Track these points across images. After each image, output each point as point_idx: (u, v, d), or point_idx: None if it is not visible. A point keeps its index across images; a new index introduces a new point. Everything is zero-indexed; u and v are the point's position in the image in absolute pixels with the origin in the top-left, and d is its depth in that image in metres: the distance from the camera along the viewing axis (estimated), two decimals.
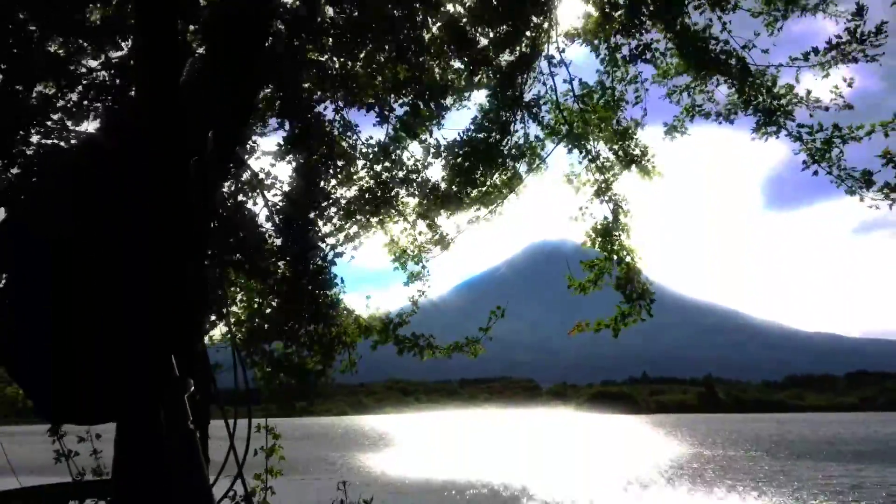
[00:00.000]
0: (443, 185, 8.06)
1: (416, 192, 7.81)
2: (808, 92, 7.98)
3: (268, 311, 6.83)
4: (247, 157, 6.97)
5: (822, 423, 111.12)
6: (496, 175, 8.73)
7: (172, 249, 1.96)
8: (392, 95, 7.80)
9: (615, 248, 8.85)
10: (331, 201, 7.52)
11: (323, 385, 7.33)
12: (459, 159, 8.02)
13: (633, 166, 8.95)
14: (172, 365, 1.88)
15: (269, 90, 7.11)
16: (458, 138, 8.16)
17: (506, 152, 8.62)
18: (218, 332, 6.65)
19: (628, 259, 8.65)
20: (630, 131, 8.98)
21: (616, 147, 8.89)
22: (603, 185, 8.99)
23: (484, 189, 8.58)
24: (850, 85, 7.63)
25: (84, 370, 1.75)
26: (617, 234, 8.83)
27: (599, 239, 8.92)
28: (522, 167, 9.01)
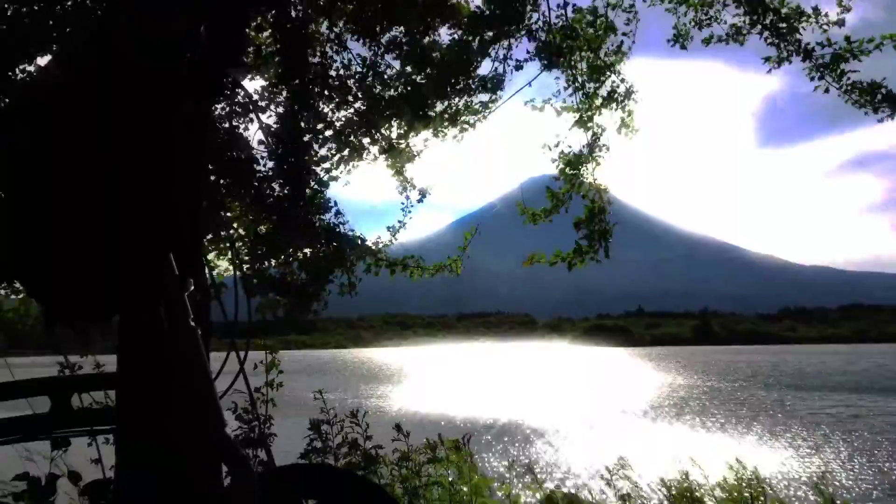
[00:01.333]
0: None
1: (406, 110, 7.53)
2: (816, 8, 7.72)
3: (263, 232, 6.71)
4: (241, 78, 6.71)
5: (815, 354, 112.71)
6: (468, 96, 8.31)
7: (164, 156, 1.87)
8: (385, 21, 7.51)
9: (581, 181, 8.54)
10: (325, 124, 7.31)
11: (316, 308, 7.27)
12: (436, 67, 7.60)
13: (614, 105, 8.53)
14: (171, 262, 1.84)
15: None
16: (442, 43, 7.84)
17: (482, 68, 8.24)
18: (218, 261, 6.54)
19: (593, 196, 8.34)
20: (615, 65, 8.56)
21: (599, 79, 8.49)
22: (586, 116, 8.60)
23: (456, 104, 8.17)
24: (847, 10, 7.45)
25: (82, 267, 1.72)
26: (586, 167, 8.48)
27: (568, 169, 8.59)
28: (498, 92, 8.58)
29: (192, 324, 1.88)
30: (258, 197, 6.61)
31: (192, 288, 1.91)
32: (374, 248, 7.61)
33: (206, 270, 2.04)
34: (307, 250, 6.89)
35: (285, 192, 6.75)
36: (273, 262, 6.79)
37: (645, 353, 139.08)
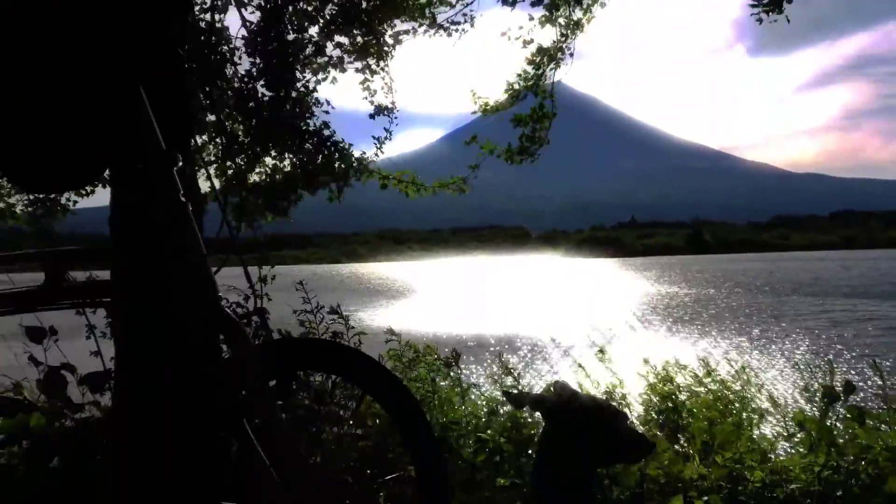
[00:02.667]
0: None
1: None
2: None
3: (248, 140, 6.30)
4: None
5: (808, 261, 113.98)
6: None
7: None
8: None
9: (541, 79, 8.02)
10: (309, 19, 6.79)
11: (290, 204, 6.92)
12: None
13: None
14: (157, 135, 1.84)
15: None
16: None
17: None
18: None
19: (543, 100, 7.87)
20: None
21: None
22: (554, 13, 7.96)
23: None
24: None
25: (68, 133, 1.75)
26: (548, 67, 7.97)
27: (531, 68, 8.07)
28: None
29: (182, 199, 1.88)
30: (240, 98, 6.20)
31: (181, 164, 1.91)
32: (363, 159, 7.16)
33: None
34: (292, 157, 6.50)
35: (269, 95, 6.32)
36: (256, 168, 6.43)
37: (637, 263, 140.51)
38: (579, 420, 1.54)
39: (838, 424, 3.61)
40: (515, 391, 1.61)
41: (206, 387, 1.86)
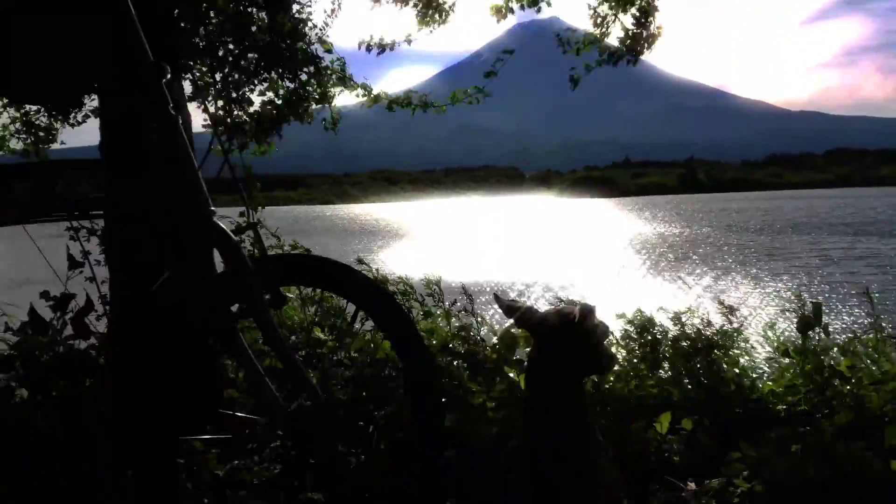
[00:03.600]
0: None
1: None
2: None
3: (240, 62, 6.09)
4: None
5: (802, 199, 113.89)
6: None
7: None
8: None
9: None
10: None
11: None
12: None
13: None
14: (145, 47, 1.81)
15: None
16: None
17: None
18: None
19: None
20: None
21: None
22: None
23: None
24: None
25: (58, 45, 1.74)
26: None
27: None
28: None
29: (173, 112, 1.86)
30: (234, 22, 5.99)
31: (169, 76, 1.87)
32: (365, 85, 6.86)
33: None
34: (285, 83, 6.32)
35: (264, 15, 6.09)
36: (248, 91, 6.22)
37: (631, 202, 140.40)
38: (560, 333, 1.57)
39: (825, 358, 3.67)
40: (507, 300, 1.62)
41: (201, 301, 1.88)
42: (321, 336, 3.25)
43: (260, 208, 5.24)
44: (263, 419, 1.98)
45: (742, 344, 4.13)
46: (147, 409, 1.93)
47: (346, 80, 6.36)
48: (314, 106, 6.19)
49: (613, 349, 3.87)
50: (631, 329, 4.12)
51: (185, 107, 1.95)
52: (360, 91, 6.55)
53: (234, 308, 1.95)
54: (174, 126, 1.83)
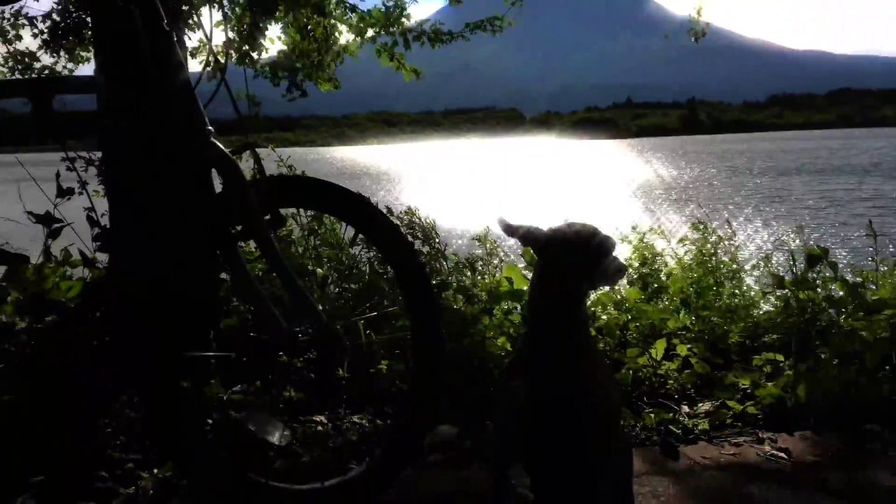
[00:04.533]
0: None
1: None
2: None
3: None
4: None
5: (805, 140, 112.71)
6: None
7: None
8: None
9: None
10: None
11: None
12: None
13: None
14: None
15: None
16: None
17: None
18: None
19: None
20: None
21: None
22: None
23: None
24: None
25: None
26: None
27: None
28: None
29: (166, 28, 1.81)
30: None
31: None
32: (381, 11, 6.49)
33: None
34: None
35: None
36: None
37: (632, 144, 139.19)
38: (570, 248, 1.57)
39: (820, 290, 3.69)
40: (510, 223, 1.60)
41: (199, 220, 1.88)
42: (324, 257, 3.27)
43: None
44: (265, 338, 1.99)
45: (741, 275, 4.18)
46: (150, 331, 1.94)
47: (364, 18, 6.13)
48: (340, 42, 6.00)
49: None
50: (633, 257, 4.16)
51: (179, 22, 1.91)
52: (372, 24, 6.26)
53: (234, 229, 1.95)
54: (168, 42, 1.80)
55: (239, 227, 1.94)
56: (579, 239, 1.56)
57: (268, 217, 1.91)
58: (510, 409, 1.60)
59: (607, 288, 3.79)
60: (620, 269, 1.60)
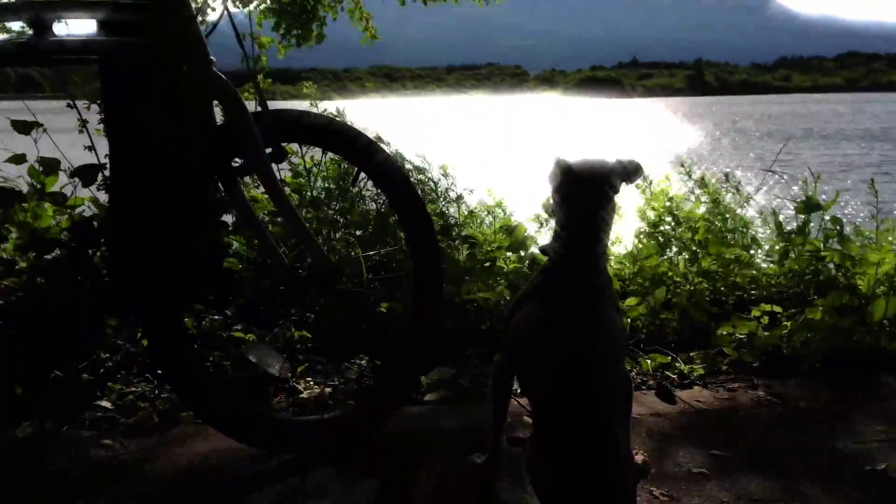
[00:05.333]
0: None
1: None
2: None
3: None
4: None
5: (811, 102, 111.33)
6: None
7: None
8: None
9: None
10: None
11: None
12: None
13: None
14: None
15: None
16: None
17: None
18: None
19: None
20: None
21: None
22: None
23: None
24: None
25: None
26: None
27: None
28: None
29: None
30: None
31: None
32: None
33: None
34: None
35: None
36: None
37: (636, 103, 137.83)
38: (596, 173, 1.62)
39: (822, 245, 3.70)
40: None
41: (202, 152, 1.86)
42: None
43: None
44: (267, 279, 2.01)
45: (744, 230, 4.16)
46: (150, 272, 1.94)
47: None
48: None
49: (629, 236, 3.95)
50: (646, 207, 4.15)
51: None
52: None
53: (236, 163, 1.94)
54: None
55: (241, 161, 1.93)
56: (603, 166, 1.62)
57: (270, 150, 1.91)
58: (516, 335, 1.63)
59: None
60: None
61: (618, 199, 1.64)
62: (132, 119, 1.90)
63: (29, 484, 1.83)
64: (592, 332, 1.51)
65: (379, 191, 2.12)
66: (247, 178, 2.90)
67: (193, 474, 1.87)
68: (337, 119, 2.05)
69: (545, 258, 1.68)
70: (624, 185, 1.64)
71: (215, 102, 1.92)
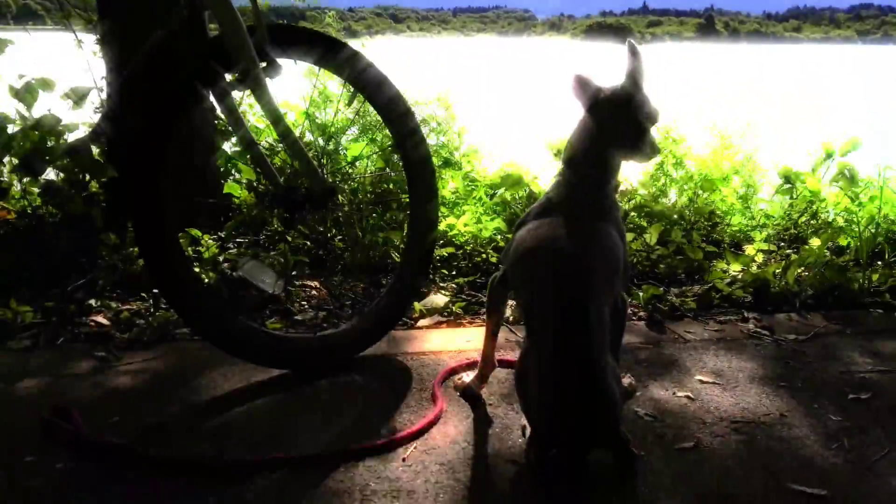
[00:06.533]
0: None
1: None
2: None
3: None
4: None
5: (823, 53, 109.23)
6: None
7: None
8: None
9: None
10: None
11: None
12: None
13: None
14: None
15: None
16: None
17: None
18: None
19: None
20: None
21: None
22: None
23: None
24: None
25: None
26: None
27: None
28: None
29: None
30: None
31: None
32: None
33: None
34: None
35: None
36: None
37: (646, 49, 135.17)
38: (616, 104, 1.61)
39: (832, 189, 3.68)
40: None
41: (193, 63, 1.84)
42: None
43: None
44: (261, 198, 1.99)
45: (749, 175, 4.13)
46: (146, 191, 1.92)
47: None
48: None
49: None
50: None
51: None
52: None
53: (229, 77, 1.91)
54: None
55: (235, 76, 1.90)
56: (626, 93, 1.60)
57: (264, 65, 1.87)
58: (513, 248, 1.64)
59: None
60: (657, 113, 1.65)
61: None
62: (126, 36, 1.87)
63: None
64: (587, 242, 1.52)
65: (376, 112, 2.07)
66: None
67: (187, 385, 1.90)
68: (336, 38, 2.00)
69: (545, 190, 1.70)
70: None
71: (208, 14, 1.89)
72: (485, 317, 1.88)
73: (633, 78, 1.63)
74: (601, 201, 1.60)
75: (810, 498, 1.42)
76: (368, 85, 2.03)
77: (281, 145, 2.76)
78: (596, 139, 1.59)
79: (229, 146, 3.24)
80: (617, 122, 1.59)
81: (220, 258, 2.67)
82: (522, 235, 1.60)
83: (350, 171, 3.15)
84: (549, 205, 1.62)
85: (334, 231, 3.05)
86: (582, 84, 1.60)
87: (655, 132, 1.67)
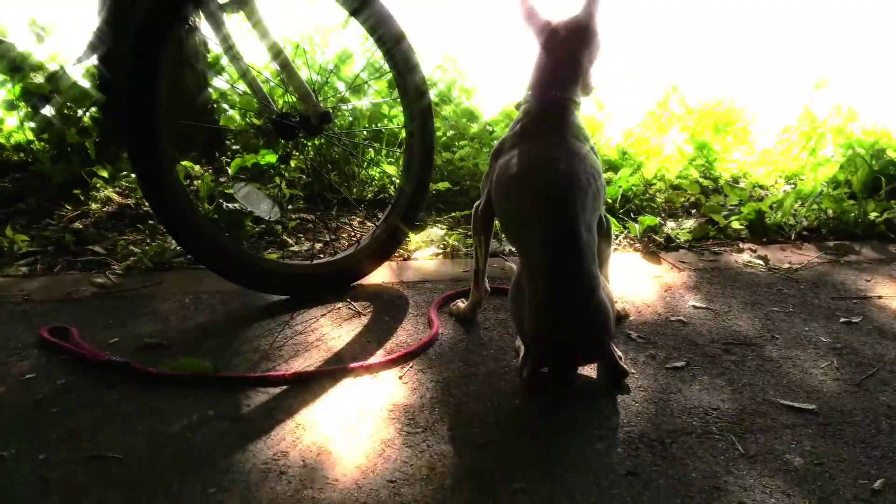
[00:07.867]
0: None
1: None
2: None
3: None
4: None
5: None
6: None
7: None
8: None
9: None
10: None
11: None
12: None
13: None
14: None
15: None
16: None
17: None
18: None
19: None
20: None
21: None
22: None
23: None
24: None
25: None
26: None
27: None
28: None
29: None
30: None
31: None
32: None
33: None
34: None
35: None
36: None
37: None
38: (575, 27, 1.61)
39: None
40: None
41: None
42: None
43: None
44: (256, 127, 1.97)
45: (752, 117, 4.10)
46: (142, 120, 1.89)
47: None
48: None
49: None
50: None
51: None
52: None
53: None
54: None
55: None
56: (580, 22, 1.60)
57: None
58: (494, 175, 1.64)
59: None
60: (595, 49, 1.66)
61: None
62: None
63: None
64: (570, 163, 1.52)
65: (372, 40, 2.03)
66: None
67: (186, 309, 1.91)
68: None
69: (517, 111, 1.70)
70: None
71: None
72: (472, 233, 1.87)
73: (589, 9, 1.63)
74: (571, 122, 1.61)
75: (799, 412, 1.44)
76: (365, 12, 1.99)
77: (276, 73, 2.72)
78: (550, 68, 1.62)
79: (221, 81, 3.21)
80: (563, 55, 1.62)
81: (217, 190, 2.66)
82: (504, 164, 1.60)
83: (347, 98, 3.12)
84: (522, 131, 1.62)
85: (329, 167, 3.04)
86: (529, 16, 1.63)
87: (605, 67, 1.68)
